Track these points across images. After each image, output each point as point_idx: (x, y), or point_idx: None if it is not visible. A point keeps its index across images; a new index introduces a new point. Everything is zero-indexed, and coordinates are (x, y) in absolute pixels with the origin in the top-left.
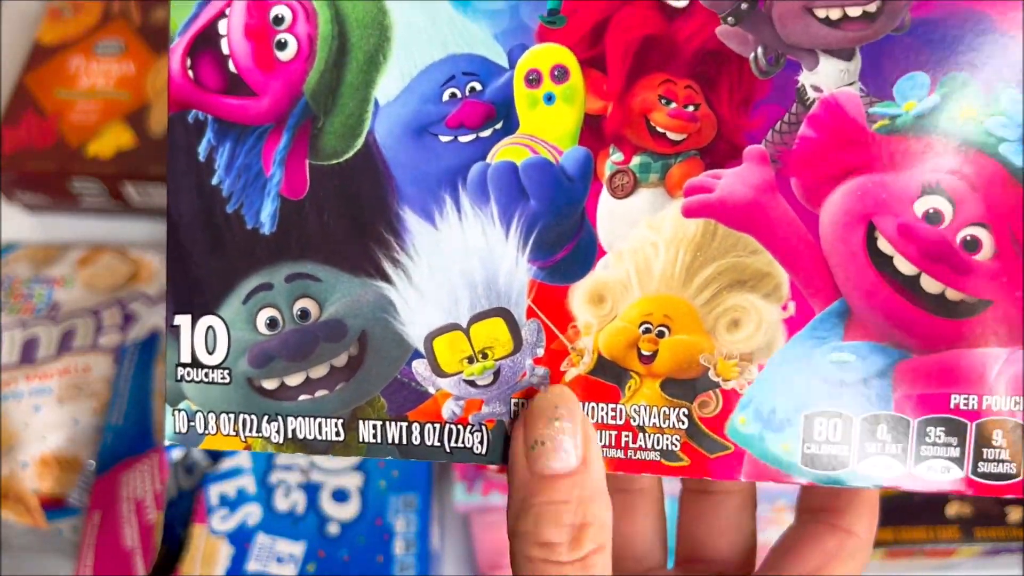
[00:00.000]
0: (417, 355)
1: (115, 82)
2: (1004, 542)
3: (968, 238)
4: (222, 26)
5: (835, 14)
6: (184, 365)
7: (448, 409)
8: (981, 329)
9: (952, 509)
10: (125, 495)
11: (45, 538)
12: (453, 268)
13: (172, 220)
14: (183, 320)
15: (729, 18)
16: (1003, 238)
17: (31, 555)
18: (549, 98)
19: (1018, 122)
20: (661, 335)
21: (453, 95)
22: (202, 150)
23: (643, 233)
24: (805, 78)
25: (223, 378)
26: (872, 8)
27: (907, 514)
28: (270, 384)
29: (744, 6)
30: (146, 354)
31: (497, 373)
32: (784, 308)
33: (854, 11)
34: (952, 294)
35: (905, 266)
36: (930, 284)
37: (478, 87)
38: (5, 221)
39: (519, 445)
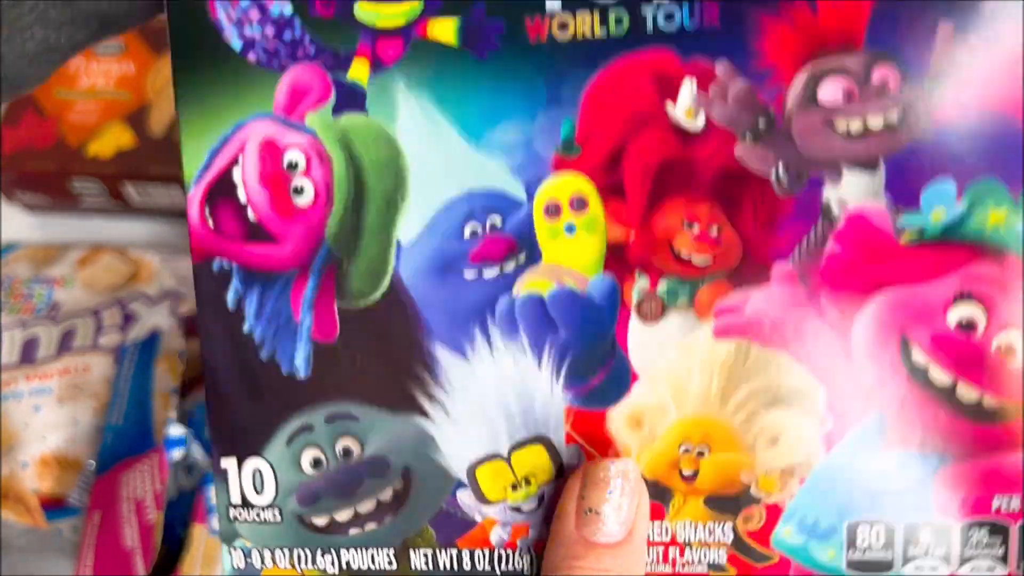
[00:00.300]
0: (461, 485)
1: (115, 82)
2: None
3: (1003, 345)
4: (236, 174)
5: (856, 126)
6: (235, 506)
7: (496, 535)
8: (1020, 432)
9: None
10: (125, 495)
11: (45, 538)
12: (489, 399)
13: (208, 367)
14: (229, 463)
15: (747, 136)
16: None
17: (31, 555)
18: (570, 228)
19: None
20: (701, 455)
21: (474, 232)
22: (230, 299)
23: (676, 357)
24: (829, 193)
25: (274, 517)
26: (894, 118)
27: None
28: (320, 520)
29: (762, 123)
30: (146, 354)
31: (542, 498)
32: (822, 423)
33: (875, 122)
34: (989, 401)
35: (941, 376)
36: (967, 392)
37: (498, 222)
38: (5, 221)
39: (572, 503)
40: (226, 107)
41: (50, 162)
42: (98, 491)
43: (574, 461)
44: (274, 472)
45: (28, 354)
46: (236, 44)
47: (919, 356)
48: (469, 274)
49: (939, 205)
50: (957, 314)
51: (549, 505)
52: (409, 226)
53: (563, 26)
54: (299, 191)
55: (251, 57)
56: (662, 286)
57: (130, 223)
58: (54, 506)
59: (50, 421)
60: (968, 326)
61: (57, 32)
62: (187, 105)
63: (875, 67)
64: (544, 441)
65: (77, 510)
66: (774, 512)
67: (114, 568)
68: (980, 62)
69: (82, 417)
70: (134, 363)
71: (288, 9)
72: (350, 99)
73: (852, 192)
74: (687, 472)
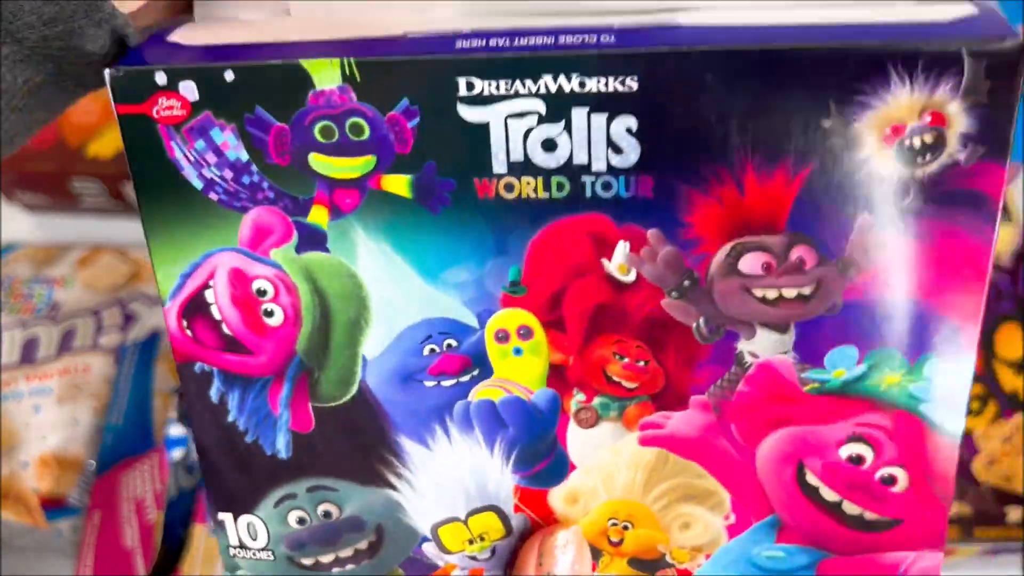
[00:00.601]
0: (426, 539)
1: None
2: (1004, 542)
3: (886, 476)
4: (209, 295)
5: (772, 294)
6: (234, 547)
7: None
8: (892, 539)
9: (952, 509)
10: (125, 495)
11: (45, 538)
12: (449, 478)
13: (200, 446)
14: (226, 516)
15: (673, 292)
16: (917, 476)
17: (31, 555)
18: (517, 351)
19: (937, 384)
20: (626, 528)
21: (432, 350)
22: (214, 394)
23: (607, 455)
24: (743, 345)
25: (268, 556)
26: (807, 291)
27: None
28: (307, 561)
29: (687, 283)
30: (146, 354)
31: (494, 550)
32: (726, 518)
33: (790, 293)
34: (869, 515)
35: (829, 494)
36: (850, 508)
37: (454, 343)
38: (5, 221)
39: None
40: (193, 239)
41: (50, 162)
42: (98, 491)
43: (521, 524)
44: (266, 526)
45: (28, 354)
46: (197, 183)
47: (812, 479)
48: (429, 383)
49: (841, 366)
50: (848, 450)
51: (500, 554)
52: (373, 344)
53: (509, 187)
54: (269, 313)
55: (212, 196)
56: (596, 401)
57: (130, 223)
58: (54, 506)
59: (50, 421)
60: (857, 460)
61: (11, 71)
62: (155, 233)
63: (794, 247)
64: (496, 509)
65: (77, 510)
66: (684, 574)
67: (114, 568)
68: (891, 250)
69: (82, 417)
70: (134, 363)
71: (244, 155)
72: (312, 240)
73: (763, 347)
74: (614, 539)
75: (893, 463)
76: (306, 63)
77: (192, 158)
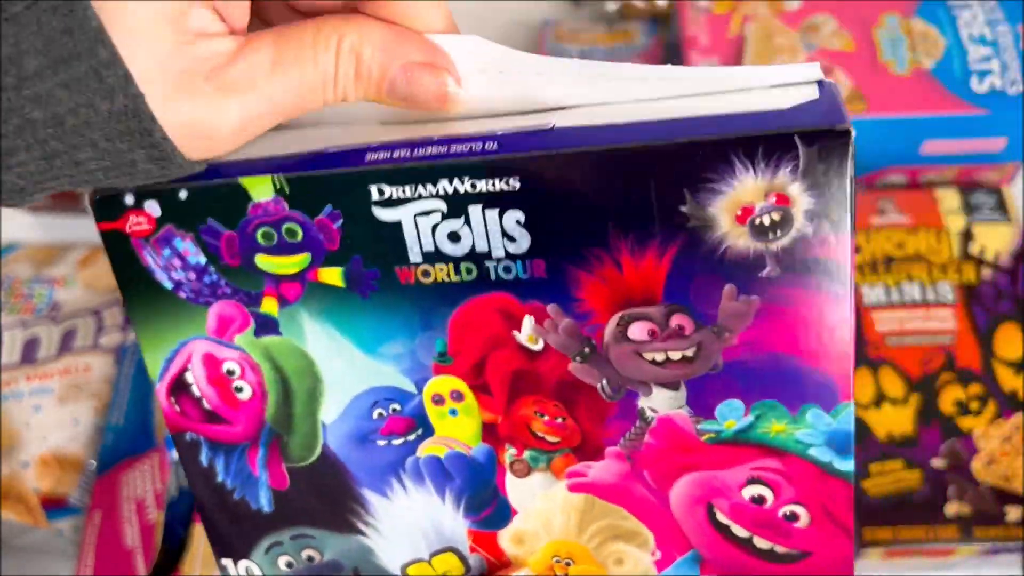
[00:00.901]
0: None
1: None
2: (1003, 542)
3: (788, 513)
4: (189, 376)
5: (659, 357)
6: None
7: None
8: (805, 569)
9: (951, 508)
10: (126, 495)
11: (45, 538)
12: (409, 524)
13: (199, 503)
14: (227, 562)
15: (577, 358)
16: (817, 512)
17: (31, 555)
18: (453, 412)
19: (821, 431)
20: (568, 565)
21: (380, 414)
22: (203, 459)
23: (541, 502)
24: (643, 402)
25: None
26: (690, 353)
27: (906, 513)
28: None
29: (587, 350)
30: None
31: None
32: (653, 554)
33: (675, 355)
34: (780, 549)
35: (740, 531)
36: (761, 543)
37: (398, 407)
38: (5, 221)
39: None
40: (170, 330)
41: None
42: (99, 491)
43: (478, 564)
44: (260, 569)
45: (29, 354)
46: (167, 284)
47: (722, 517)
48: (381, 442)
49: (731, 417)
50: (749, 492)
51: None
52: (329, 411)
53: (426, 273)
54: (239, 389)
55: (181, 294)
56: (526, 454)
57: None
58: (55, 506)
59: (51, 421)
60: (759, 500)
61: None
62: (139, 325)
63: (672, 316)
64: (455, 550)
65: (78, 510)
66: None
67: (115, 568)
68: (759, 315)
69: (83, 417)
70: (135, 363)
71: (203, 259)
72: (267, 326)
73: (660, 403)
74: (559, 575)
75: (792, 502)
76: (243, 180)
77: (161, 263)
